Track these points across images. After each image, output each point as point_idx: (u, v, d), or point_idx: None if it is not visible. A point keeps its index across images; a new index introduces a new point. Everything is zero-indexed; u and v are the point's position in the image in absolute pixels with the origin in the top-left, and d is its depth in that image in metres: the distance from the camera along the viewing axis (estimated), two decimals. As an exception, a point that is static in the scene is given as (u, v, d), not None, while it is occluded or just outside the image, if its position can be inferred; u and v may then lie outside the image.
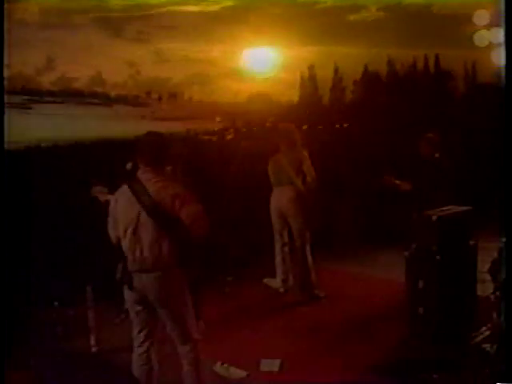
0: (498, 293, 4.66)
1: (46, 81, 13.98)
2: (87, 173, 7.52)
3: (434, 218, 4.87)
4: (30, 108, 13.55)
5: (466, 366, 4.18)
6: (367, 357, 4.84)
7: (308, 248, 6.44)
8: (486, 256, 5.30)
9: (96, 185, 4.63)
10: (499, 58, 5.05)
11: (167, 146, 3.87)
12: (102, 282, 5.49)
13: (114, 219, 3.83)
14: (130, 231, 3.69)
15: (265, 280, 7.14)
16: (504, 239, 4.33)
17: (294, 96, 15.14)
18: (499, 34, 5.14)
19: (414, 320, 4.99)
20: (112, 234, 3.89)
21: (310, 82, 15.17)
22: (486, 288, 5.34)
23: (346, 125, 13.04)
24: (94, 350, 5.26)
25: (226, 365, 4.72)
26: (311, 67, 15.03)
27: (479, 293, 5.23)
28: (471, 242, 5.11)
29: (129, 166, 5.42)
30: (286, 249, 6.63)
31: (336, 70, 15.14)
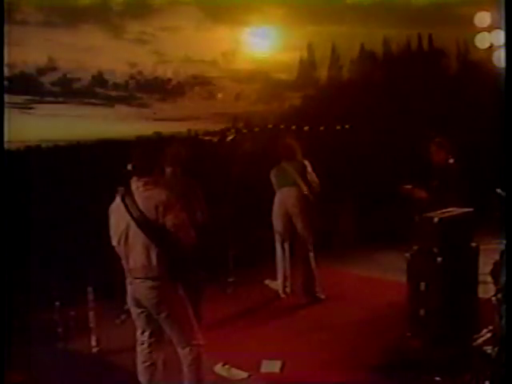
0: (499, 295, 4.65)
1: (47, 81, 13.97)
2: (88, 173, 7.54)
3: (436, 219, 4.87)
4: (31, 108, 13.56)
5: (467, 368, 4.17)
6: (368, 358, 4.84)
7: (311, 248, 6.44)
8: (488, 258, 5.30)
9: None
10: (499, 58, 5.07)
11: (157, 153, 3.91)
12: (102, 283, 5.50)
13: (111, 230, 3.88)
14: (122, 241, 3.75)
15: (266, 281, 7.14)
16: (505, 241, 4.32)
17: (293, 74, 15.46)
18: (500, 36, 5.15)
19: (416, 322, 4.99)
20: (113, 241, 3.91)
21: (308, 60, 15.55)
22: (487, 290, 5.33)
23: (347, 126, 13.06)
24: (94, 350, 5.26)
25: (227, 366, 4.72)
26: (310, 47, 15.37)
27: (481, 295, 5.22)
28: (473, 244, 5.10)
29: (130, 166, 5.43)
30: (288, 250, 6.61)
31: (333, 50, 15.55)
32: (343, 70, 15.53)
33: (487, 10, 5.35)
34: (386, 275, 7.03)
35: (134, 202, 3.67)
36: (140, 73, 14.71)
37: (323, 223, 6.98)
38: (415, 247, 5.06)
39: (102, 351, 5.24)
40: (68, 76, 13.73)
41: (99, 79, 14.25)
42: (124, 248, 3.75)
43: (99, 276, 5.40)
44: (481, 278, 5.25)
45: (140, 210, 3.64)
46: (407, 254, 5.09)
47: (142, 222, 3.63)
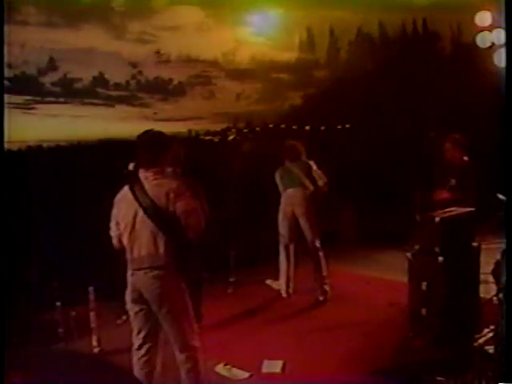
0: (501, 295, 4.65)
1: (48, 81, 13.96)
2: (89, 173, 7.55)
3: (437, 219, 4.86)
4: (32, 108, 13.55)
5: (469, 367, 4.17)
6: (370, 358, 4.83)
7: (320, 247, 6.43)
8: (489, 257, 5.30)
9: None
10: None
11: (167, 145, 3.86)
12: (104, 283, 5.49)
13: (116, 221, 3.84)
14: (127, 230, 3.71)
15: (267, 281, 7.14)
16: (506, 241, 4.32)
17: (292, 56, 15.93)
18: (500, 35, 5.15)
19: (417, 321, 4.99)
20: (114, 234, 3.88)
21: (307, 43, 16.16)
22: (488, 290, 5.33)
23: (347, 125, 13.07)
24: (95, 350, 5.25)
25: (228, 366, 4.72)
26: (309, 30, 15.95)
27: (482, 294, 5.22)
28: (474, 244, 5.10)
29: (131, 166, 5.42)
30: (292, 250, 6.60)
31: (331, 32, 16.20)
32: (341, 51, 16.23)
33: (487, 9, 5.35)
34: (387, 275, 7.03)
35: (143, 190, 3.65)
36: (141, 73, 14.71)
37: (327, 223, 6.96)
38: (417, 247, 5.06)
39: (103, 351, 5.23)
40: (69, 76, 13.72)
41: (100, 79, 14.24)
42: (129, 237, 3.71)
43: (100, 276, 5.39)
44: (482, 277, 5.25)
45: (150, 198, 3.61)
46: (409, 254, 5.09)
47: (151, 210, 3.61)
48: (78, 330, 5.38)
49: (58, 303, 5.29)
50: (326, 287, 6.40)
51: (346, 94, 14.39)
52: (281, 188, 6.54)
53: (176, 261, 3.67)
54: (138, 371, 3.86)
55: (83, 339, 5.33)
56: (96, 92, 14.27)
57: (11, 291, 5.21)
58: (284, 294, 6.61)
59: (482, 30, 5.56)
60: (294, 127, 12.39)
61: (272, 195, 6.62)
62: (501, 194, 4.61)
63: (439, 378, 4.15)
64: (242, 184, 7.07)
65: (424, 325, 4.90)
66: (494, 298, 4.99)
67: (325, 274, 6.42)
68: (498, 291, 4.89)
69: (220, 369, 4.69)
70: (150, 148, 3.75)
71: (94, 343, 5.26)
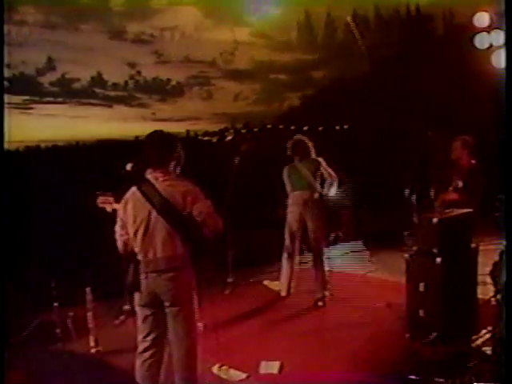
0: (498, 296, 4.65)
1: (47, 81, 13.96)
2: (87, 173, 7.54)
3: (435, 220, 4.86)
4: (31, 108, 13.55)
5: (467, 368, 4.16)
6: (367, 359, 4.83)
7: (324, 250, 6.42)
8: (487, 259, 5.30)
9: (101, 195, 4.55)
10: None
11: (175, 146, 3.81)
12: (101, 284, 5.49)
13: (123, 223, 3.75)
14: (140, 232, 3.64)
15: (265, 282, 7.13)
16: (505, 242, 4.32)
17: (291, 36, 16.47)
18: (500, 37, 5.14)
19: (415, 322, 4.98)
20: (119, 238, 3.80)
21: (305, 23, 16.82)
22: (486, 291, 5.34)
23: (346, 126, 13.09)
24: (93, 351, 5.25)
25: (225, 367, 4.70)
26: (307, 11, 16.60)
27: (480, 295, 5.22)
28: (472, 245, 5.10)
29: (129, 166, 5.41)
30: (298, 251, 6.58)
31: (328, 14, 16.89)
32: (338, 31, 16.83)
33: (485, 10, 5.34)
34: (385, 276, 7.03)
35: (155, 190, 3.60)
36: (139, 73, 14.71)
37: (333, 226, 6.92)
38: (415, 248, 5.06)
39: (101, 352, 5.23)
40: (67, 76, 13.72)
41: (98, 79, 14.24)
42: (142, 239, 3.64)
43: (98, 276, 5.38)
44: (480, 278, 5.25)
45: (164, 198, 3.57)
46: (406, 255, 5.09)
47: (166, 210, 3.57)
48: (76, 331, 5.37)
49: (56, 304, 5.28)
50: (326, 293, 6.37)
51: (344, 95, 14.47)
52: (288, 188, 6.48)
53: (193, 261, 3.67)
54: (141, 375, 3.79)
55: (81, 340, 5.32)
56: (94, 92, 14.29)
57: (10, 291, 5.20)
58: (284, 293, 6.58)
59: (481, 31, 5.55)
60: (292, 128, 12.40)
61: (271, 195, 6.61)
62: (500, 194, 4.62)
63: (437, 379, 4.15)
64: (240, 184, 7.06)
65: (422, 326, 4.90)
66: (492, 299, 4.99)
67: (326, 279, 6.40)
68: (496, 292, 4.90)
69: (217, 370, 4.68)
70: (159, 148, 3.72)
71: (92, 344, 5.25)
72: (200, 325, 3.94)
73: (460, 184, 5.91)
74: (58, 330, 5.29)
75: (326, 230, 6.44)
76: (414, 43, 14.65)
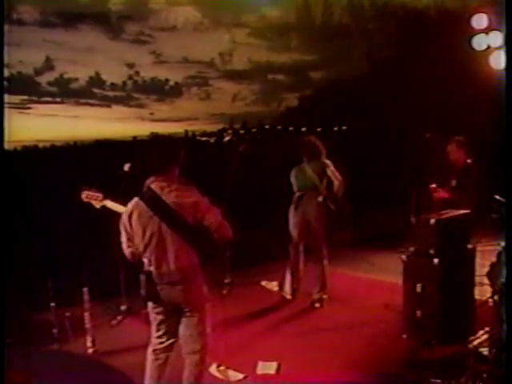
0: (495, 296, 4.65)
1: (45, 81, 13.98)
2: (85, 173, 7.54)
3: (432, 221, 4.86)
4: (29, 108, 13.57)
5: (464, 369, 4.16)
6: (364, 360, 4.83)
7: (326, 255, 6.41)
8: (484, 260, 5.31)
9: (87, 190, 4.50)
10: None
11: (177, 151, 3.73)
12: (98, 284, 5.48)
13: (129, 235, 3.68)
14: (152, 246, 3.59)
15: (262, 283, 7.12)
16: (503, 243, 4.32)
17: (291, 19, 17.07)
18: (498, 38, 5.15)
19: (412, 323, 4.98)
20: (127, 249, 3.74)
21: (304, 7, 17.46)
22: (483, 292, 5.34)
23: (344, 127, 13.12)
24: (90, 351, 5.24)
25: (222, 367, 4.70)
26: None
27: (477, 296, 5.23)
28: (469, 246, 5.10)
29: (126, 167, 5.41)
30: (303, 252, 6.55)
31: (325, 0, 17.55)
32: (334, 15, 17.33)
33: (484, 12, 5.35)
34: (382, 276, 7.02)
35: (161, 201, 3.53)
36: (137, 73, 14.75)
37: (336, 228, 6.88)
38: (412, 249, 5.06)
39: (98, 352, 5.22)
40: (65, 76, 13.75)
41: (96, 79, 14.29)
42: (155, 252, 3.59)
43: (95, 277, 5.37)
44: (477, 279, 5.25)
45: (173, 211, 3.52)
46: (404, 256, 5.09)
47: (177, 224, 3.53)
48: (73, 331, 5.36)
49: (53, 304, 5.27)
50: (325, 296, 6.36)
51: (342, 96, 14.54)
52: (295, 188, 6.47)
53: (205, 269, 3.68)
54: (151, 373, 3.80)
55: (78, 340, 5.31)
56: (92, 92, 14.33)
57: (7, 292, 5.19)
58: (289, 296, 6.55)
59: (479, 33, 5.55)
60: (290, 128, 12.41)
61: (269, 195, 6.61)
62: (499, 195, 4.63)
63: (434, 380, 4.15)
64: (238, 184, 7.06)
65: (419, 326, 4.90)
66: (489, 300, 4.99)
67: (325, 281, 6.39)
68: (493, 293, 4.90)
69: (215, 370, 4.68)
70: (162, 156, 3.65)
71: (89, 344, 5.24)
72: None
73: (453, 183, 5.95)
74: (54, 330, 5.29)
75: (327, 232, 6.42)
76: (412, 45, 14.74)
